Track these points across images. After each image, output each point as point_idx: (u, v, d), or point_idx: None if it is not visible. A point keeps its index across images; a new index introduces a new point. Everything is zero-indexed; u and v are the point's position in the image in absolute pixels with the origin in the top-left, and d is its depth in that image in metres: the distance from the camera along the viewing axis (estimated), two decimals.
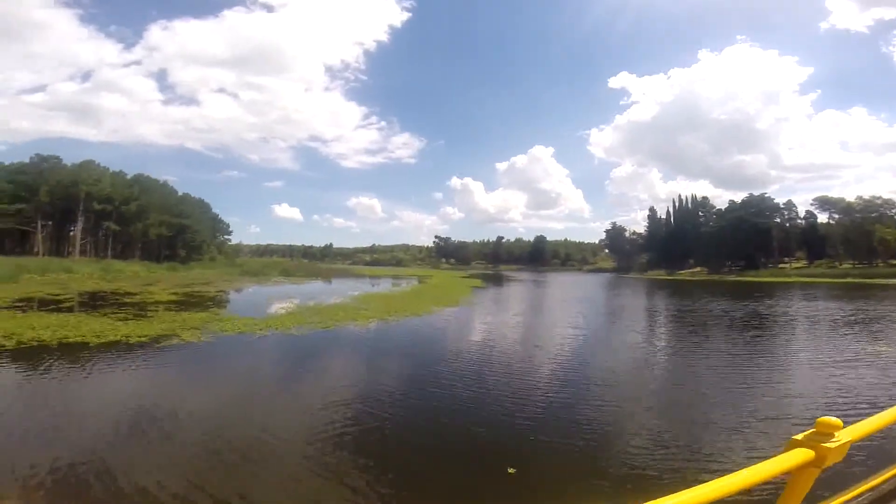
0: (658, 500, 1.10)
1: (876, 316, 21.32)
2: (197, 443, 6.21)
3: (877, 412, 1.86)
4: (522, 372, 10.54)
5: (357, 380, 9.89)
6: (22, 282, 34.54)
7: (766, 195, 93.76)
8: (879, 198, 78.77)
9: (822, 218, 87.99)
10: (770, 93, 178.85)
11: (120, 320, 16.47)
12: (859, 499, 1.90)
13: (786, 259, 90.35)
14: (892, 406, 1.88)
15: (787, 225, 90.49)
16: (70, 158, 70.80)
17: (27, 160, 67.29)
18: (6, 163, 67.77)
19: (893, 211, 76.30)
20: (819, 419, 1.48)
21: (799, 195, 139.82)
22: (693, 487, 1.17)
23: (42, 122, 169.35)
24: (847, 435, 1.47)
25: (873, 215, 76.13)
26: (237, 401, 8.26)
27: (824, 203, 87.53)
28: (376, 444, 6.31)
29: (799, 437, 1.47)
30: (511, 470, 5.45)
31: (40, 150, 69.51)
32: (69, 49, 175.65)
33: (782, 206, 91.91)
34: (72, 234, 69.02)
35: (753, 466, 1.32)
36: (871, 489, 1.95)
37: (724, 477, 1.25)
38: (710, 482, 1.20)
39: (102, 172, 71.23)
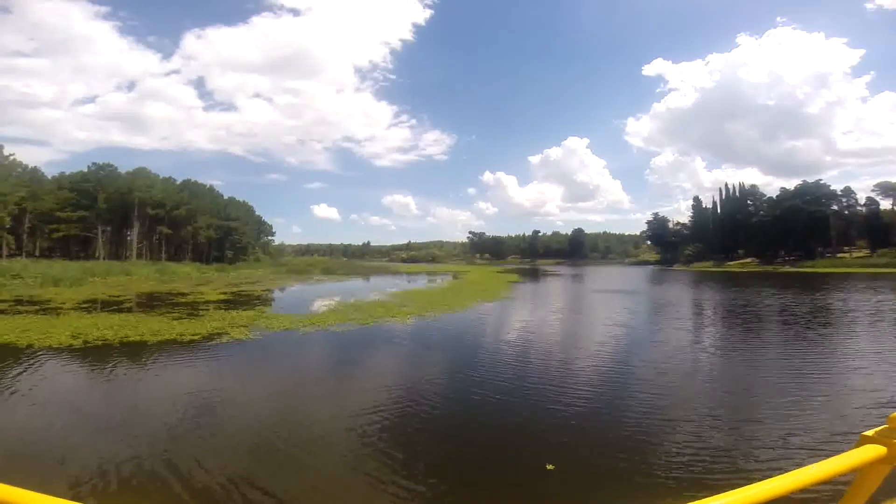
0: (725, 493, 1.10)
1: None
2: (248, 435, 6.49)
3: None
4: (563, 369, 10.40)
5: (397, 375, 10.05)
6: (87, 285, 37.08)
7: (822, 181, 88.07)
8: None
9: (886, 204, 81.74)
10: (820, 76, 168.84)
11: (175, 319, 17.41)
12: None
13: (845, 248, 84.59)
14: None
15: (847, 212, 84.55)
16: (125, 166, 75.34)
17: (85, 169, 72.07)
18: (67, 172, 72.92)
19: None
20: (892, 414, 1.41)
21: (859, 181, 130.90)
22: (760, 482, 1.17)
23: (96, 132, 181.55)
24: None
25: None
26: (284, 395, 8.57)
27: (887, 189, 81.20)
28: (416, 437, 6.42)
29: (870, 433, 1.42)
30: (550, 466, 5.43)
31: (97, 160, 74.49)
32: (113, 60, 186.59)
33: (839, 193, 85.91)
34: (129, 238, 73.37)
35: (821, 462, 1.28)
36: None
37: (792, 472, 1.24)
38: (778, 477, 1.20)
39: (154, 179, 75.35)
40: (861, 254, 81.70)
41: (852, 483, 1.44)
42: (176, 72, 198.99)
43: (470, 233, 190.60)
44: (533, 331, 16.13)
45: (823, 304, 22.97)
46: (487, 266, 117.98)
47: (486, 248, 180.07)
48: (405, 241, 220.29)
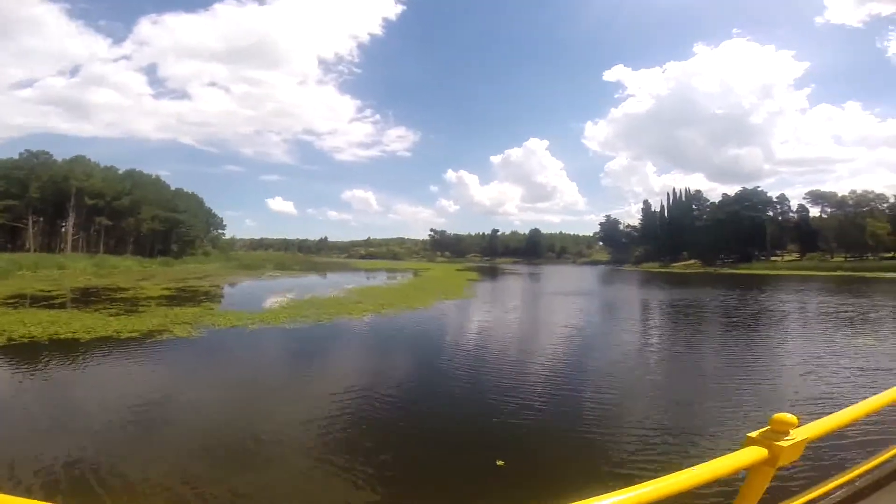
0: (611, 493, 1.06)
1: (867, 309, 21.60)
2: (184, 439, 6.24)
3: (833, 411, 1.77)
4: (513, 366, 10.57)
5: (349, 373, 9.92)
6: (14, 278, 34.29)
7: (759, 189, 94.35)
8: (872, 192, 79.66)
9: (815, 212, 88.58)
10: (765, 87, 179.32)
11: (111, 316, 16.41)
12: (821, 501, 1.82)
13: (778, 252, 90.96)
14: (849, 406, 1.77)
15: (780, 218, 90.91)
16: (65, 154, 70.17)
17: (17, 156, 66.46)
18: None
19: (885, 205, 76.94)
20: (774, 416, 1.41)
21: (793, 188, 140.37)
22: (646, 482, 1.12)
23: (34, 118, 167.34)
24: (802, 433, 1.42)
25: (865, 209, 76.80)
26: (228, 396, 8.28)
27: (817, 197, 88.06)
28: (364, 437, 6.33)
29: (754, 434, 1.41)
30: (500, 462, 5.47)
31: (35, 146, 68.75)
32: (58, 44, 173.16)
33: (775, 200, 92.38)
34: (63, 229, 68.37)
35: (706, 464, 1.26)
36: (825, 494, 1.87)
37: (676, 473, 1.20)
38: (662, 478, 1.16)
39: (94, 167, 70.59)
40: (791, 257, 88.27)
41: (742, 485, 1.44)
42: (126, 57, 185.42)
43: (431, 230, 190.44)
44: (487, 330, 16.29)
45: (768, 306, 24.24)
46: (448, 264, 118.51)
47: (446, 246, 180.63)
48: (365, 238, 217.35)
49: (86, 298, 23.18)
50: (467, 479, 5.25)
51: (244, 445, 5.98)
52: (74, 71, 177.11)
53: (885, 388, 1.98)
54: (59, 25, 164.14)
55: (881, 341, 13.35)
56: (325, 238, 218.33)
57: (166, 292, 26.71)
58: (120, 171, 74.76)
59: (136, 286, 30.22)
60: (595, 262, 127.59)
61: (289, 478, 5.20)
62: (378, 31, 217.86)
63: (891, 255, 72.87)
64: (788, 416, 1.40)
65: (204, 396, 8.16)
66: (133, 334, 13.13)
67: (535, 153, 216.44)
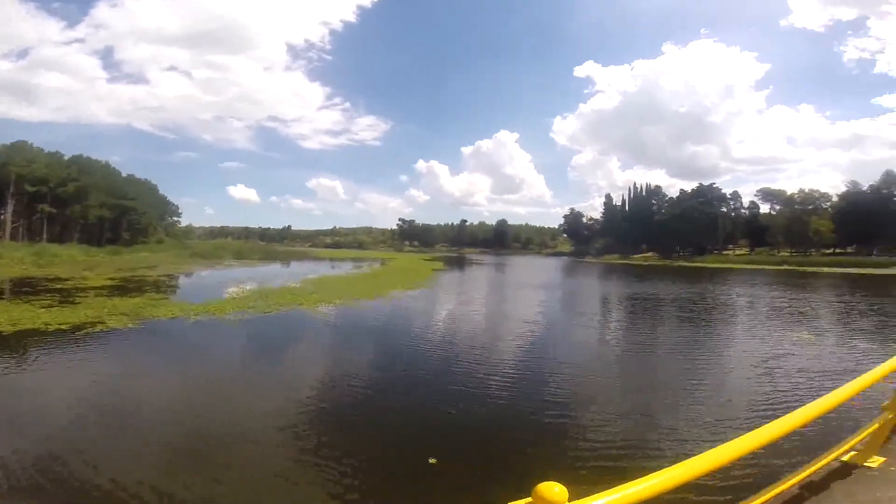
0: None
1: (805, 303, 22.84)
2: (101, 436, 5.91)
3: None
4: (459, 363, 10.13)
5: (283, 368, 9.70)
6: None
7: (715, 185, 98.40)
8: (817, 191, 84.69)
9: (765, 208, 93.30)
10: (727, 87, 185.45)
11: (43, 307, 15.41)
12: None
13: (730, 246, 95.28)
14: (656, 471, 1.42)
15: (733, 214, 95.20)
16: (8, 139, 65.43)
17: None
18: None
19: (827, 204, 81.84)
20: (538, 487, 1.13)
21: (749, 186, 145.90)
22: None
23: None
24: None
25: (810, 207, 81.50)
26: (148, 390, 7.89)
27: (767, 195, 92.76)
28: (286, 436, 6.07)
29: None
30: (432, 460, 5.34)
31: None
32: (5, 28, 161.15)
33: (729, 197, 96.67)
34: (1, 217, 63.84)
35: None
36: None
37: None
38: None
39: (36, 153, 66.04)
40: (742, 251, 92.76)
41: None
42: (80, 41, 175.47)
43: (400, 220, 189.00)
44: (441, 324, 16.14)
45: (723, 301, 24.90)
46: (415, 254, 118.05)
47: (415, 236, 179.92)
48: (331, 227, 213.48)
49: (19, 289, 21.72)
50: (398, 477, 5.16)
51: (162, 446, 5.68)
52: (22, 54, 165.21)
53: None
54: (7, 8, 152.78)
55: (820, 336, 13.60)
56: (289, 227, 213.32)
57: (110, 282, 25.36)
58: (66, 157, 70.33)
59: (78, 276, 28.55)
60: (559, 254, 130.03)
61: (205, 480, 4.95)
62: (352, 17, 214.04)
63: (831, 251, 77.82)
64: (556, 490, 1.11)
65: (125, 392, 7.73)
66: (63, 326, 12.37)
67: (506, 145, 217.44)
